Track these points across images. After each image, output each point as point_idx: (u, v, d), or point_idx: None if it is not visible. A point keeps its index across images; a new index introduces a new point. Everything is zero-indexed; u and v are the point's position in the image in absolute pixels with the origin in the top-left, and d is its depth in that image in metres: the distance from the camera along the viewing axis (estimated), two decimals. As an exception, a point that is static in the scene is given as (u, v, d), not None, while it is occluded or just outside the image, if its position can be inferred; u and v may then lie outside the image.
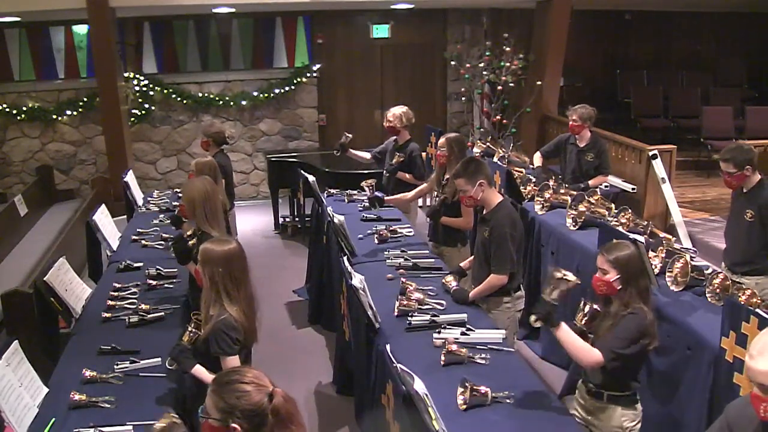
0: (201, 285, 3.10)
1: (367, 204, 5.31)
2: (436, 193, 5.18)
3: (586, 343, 2.99)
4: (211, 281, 2.98)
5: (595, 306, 3.15)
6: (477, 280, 4.05)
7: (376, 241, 4.96)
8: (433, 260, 4.56)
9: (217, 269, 2.96)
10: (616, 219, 4.86)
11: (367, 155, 6.35)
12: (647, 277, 3.08)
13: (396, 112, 5.96)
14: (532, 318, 2.90)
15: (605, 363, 2.91)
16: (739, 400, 2.46)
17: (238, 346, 2.96)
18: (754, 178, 4.36)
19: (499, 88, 9.40)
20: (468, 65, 9.58)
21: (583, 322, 3.15)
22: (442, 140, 5.08)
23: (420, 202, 5.54)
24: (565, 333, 2.94)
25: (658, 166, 6.94)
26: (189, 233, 3.93)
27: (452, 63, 9.97)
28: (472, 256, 4.31)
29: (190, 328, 3.11)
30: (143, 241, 5.21)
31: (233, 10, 9.04)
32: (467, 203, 4.13)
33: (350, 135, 6.10)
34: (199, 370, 2.97)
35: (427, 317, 3.67)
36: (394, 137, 6.05)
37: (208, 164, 4.99)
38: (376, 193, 5.12)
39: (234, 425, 1.88)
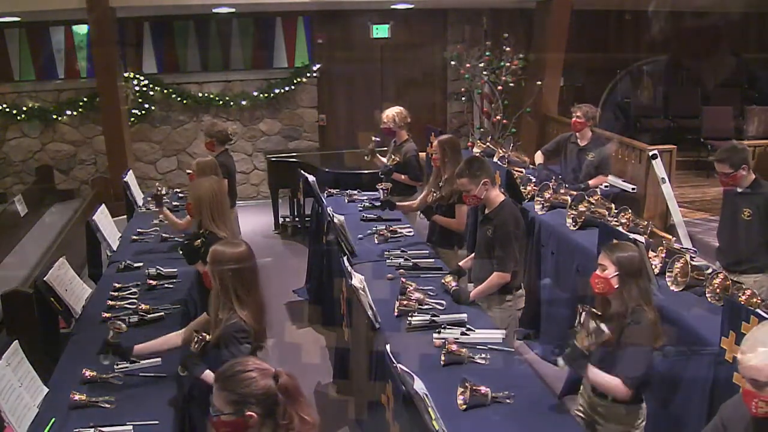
0: (209, 286, 3.05)
1: (378, 205, 5.35)
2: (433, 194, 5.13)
3: (611, 376, 2.96)
4: (222, 284, 2.92)
5: (593, 309, 3.15)
6: (478, 280, 4.05)
7: (376, 241, 4.96)
8: (433, 260, 4.55)
9: (227, 272, 2.91)
10: (616, 219, 4.86)
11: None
12: (648, 280, 3.07)
13: (389, 113, 5.94)
14: (561, 362, 2.92)
15: (632, 389, 2.91)
16: (732, 399, 2.46)
17: (249, 351, 2.91)
18: (749, 177, 4.38)
19: (499, 88, 9.39)
20: (468, 65, 9.57)
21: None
22: (435, 143, 5.07)
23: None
24: (592, 374, 2.95)
25: (658, 166, 6.93)
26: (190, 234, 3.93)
27: (452, 63, 9.95)
28: (469, 255, 4.30)
29: (196, 337, 3.04)
30: (143, 242, 5.21)
31: (233, 10, 9.04)
32: (470, 202, 4.12)
33: (377, 139, 6.07)
34: (209, 376, 2.90)
35: (427, 317, 3.67)
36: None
37: (209, 164, 4.99)
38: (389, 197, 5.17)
39: (249, 413, 1.91)
